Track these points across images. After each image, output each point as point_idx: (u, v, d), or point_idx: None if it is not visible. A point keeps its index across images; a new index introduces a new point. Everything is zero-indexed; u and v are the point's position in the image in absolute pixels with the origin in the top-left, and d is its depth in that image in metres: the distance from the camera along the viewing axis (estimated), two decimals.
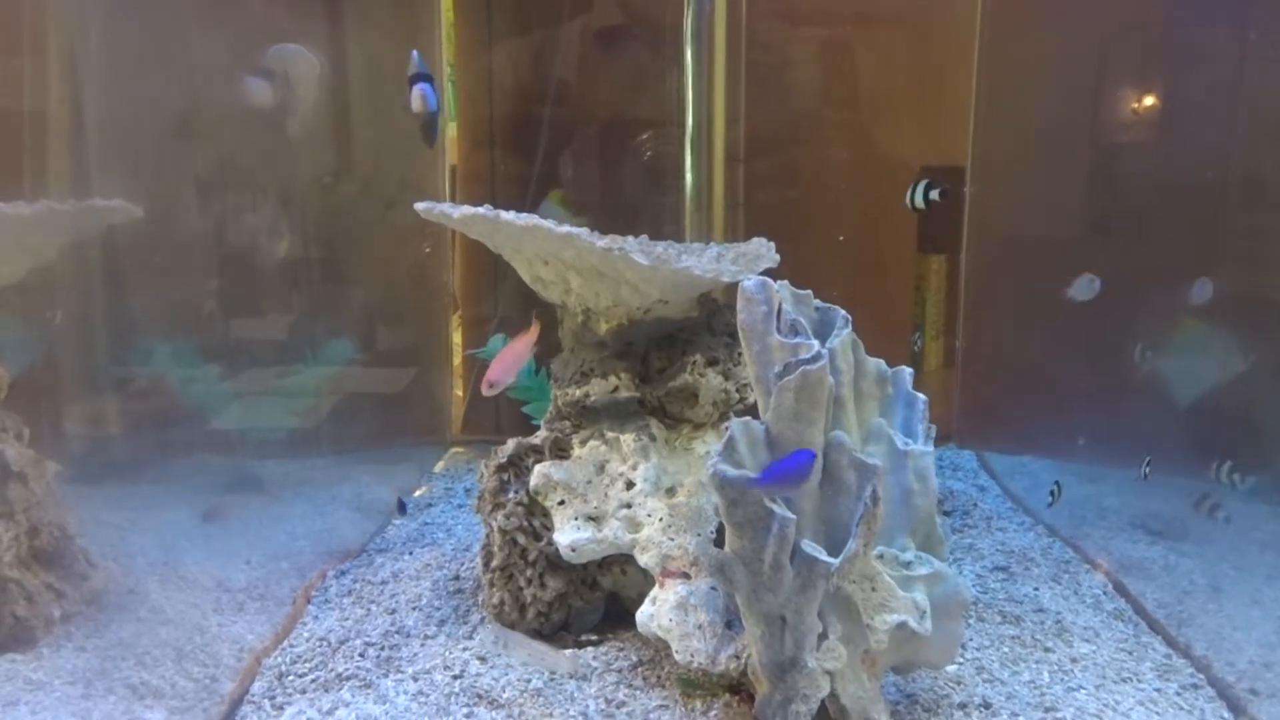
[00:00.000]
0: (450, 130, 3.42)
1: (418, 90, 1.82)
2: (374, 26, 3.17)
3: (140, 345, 2.59)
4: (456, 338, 3.46)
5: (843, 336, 1.54)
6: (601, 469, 1.78)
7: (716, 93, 3.20)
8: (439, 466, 3.09)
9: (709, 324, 1.86)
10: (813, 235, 3.27)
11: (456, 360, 3.45)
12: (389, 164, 3.29)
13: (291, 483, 2.74)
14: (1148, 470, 2.31)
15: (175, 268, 2.63)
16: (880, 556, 1.53)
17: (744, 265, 1.76)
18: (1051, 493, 2.38)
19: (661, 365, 1.83)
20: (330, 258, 3.07)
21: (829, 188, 3.39)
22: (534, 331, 1.86)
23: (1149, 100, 2.97)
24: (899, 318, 3.51)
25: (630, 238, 2.10)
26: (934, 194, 2.26)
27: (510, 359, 1.81)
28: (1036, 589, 2.07)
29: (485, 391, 1.77)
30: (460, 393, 3.46)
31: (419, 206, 1.82)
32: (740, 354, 1.81)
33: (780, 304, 1.51)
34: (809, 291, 1.59)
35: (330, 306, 3.09)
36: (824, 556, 1.39)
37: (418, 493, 2.78)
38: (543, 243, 1.69)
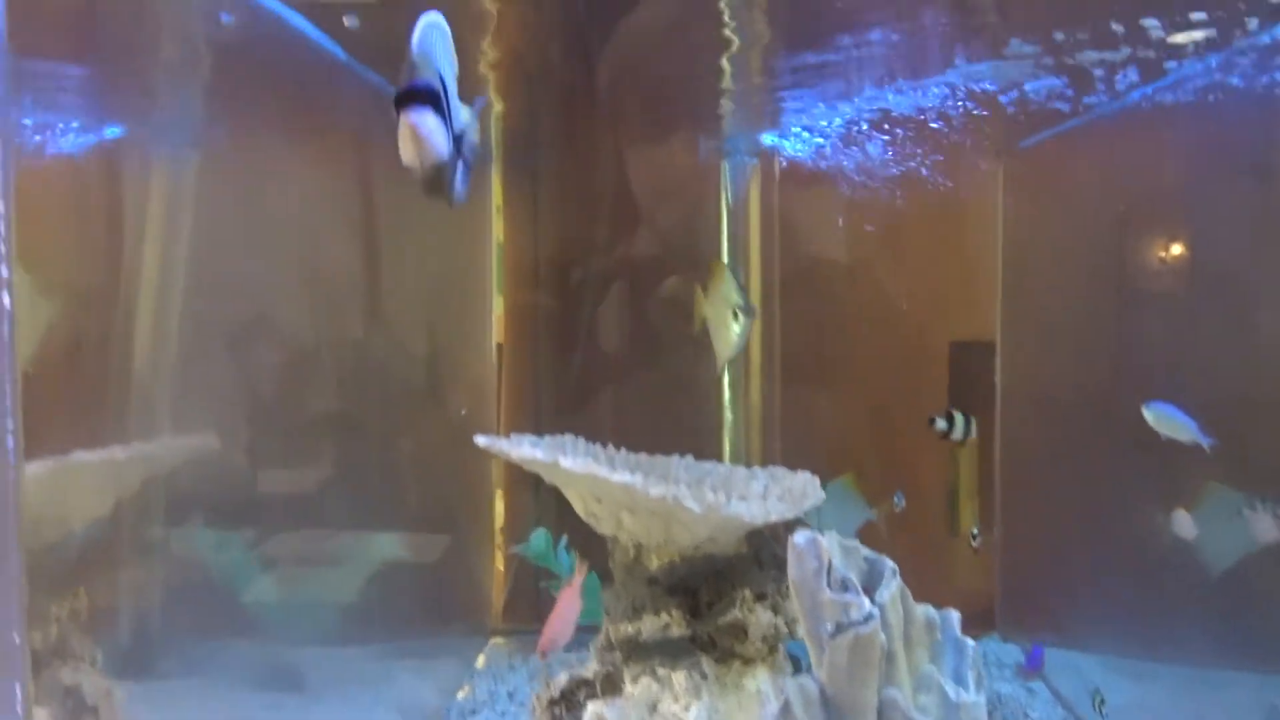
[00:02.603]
0: (497, 306, 3.55)
1: (409, 122, 1.01)
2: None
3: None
4: (499, 505, 3.49)
5: (892, 589, 1.57)
6: (654, 709, 1.79)
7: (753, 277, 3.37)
8: (480, 661, 3.08)
9: (757, 557, 1.90)
10: (846, 401, 3.38)
11: (499, 525, 3.46)
12: (439, 338, 3.38)
13: (332, 679, 2.71)
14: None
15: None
16: None
17: (791, 503, 1.82)
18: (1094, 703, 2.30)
19: (710, 599, 1.86)
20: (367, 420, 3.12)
21: (860, 361, 3.50)
22: (580, 575, 1.90)
23: (1171, 266, 2.97)
24: (932, 480, 3.56)
25: (676, 458, 2.18)
26: None
27: (561, 622, 1.83)
28: None
29: (542, 658, 1.79)
30: (501, 568, 3.47)
31: (479, 441, 1.90)
32: (787, 588, 1.84)
33: (829, 559, 1.55)
34: (856, 543, 1.64)
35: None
36: None
37: (460, 695, 2.77)
38: (599, 486, 1.77)
